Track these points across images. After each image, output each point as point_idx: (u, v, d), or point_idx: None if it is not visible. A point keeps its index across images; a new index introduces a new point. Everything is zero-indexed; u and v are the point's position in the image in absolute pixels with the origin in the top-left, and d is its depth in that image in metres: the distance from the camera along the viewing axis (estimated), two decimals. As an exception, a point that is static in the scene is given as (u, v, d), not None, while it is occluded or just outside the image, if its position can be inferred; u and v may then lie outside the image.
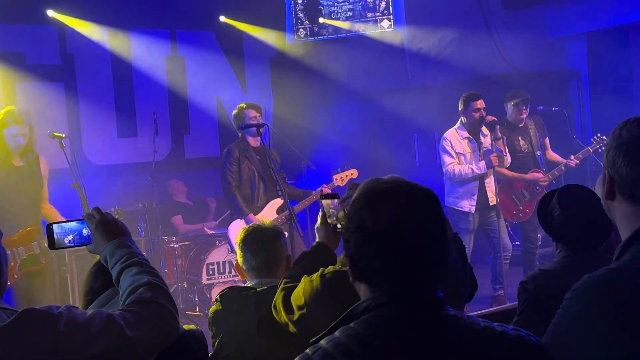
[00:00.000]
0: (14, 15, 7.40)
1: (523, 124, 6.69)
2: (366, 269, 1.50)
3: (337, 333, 1.49)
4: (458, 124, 6.48)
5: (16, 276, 5.15)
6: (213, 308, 2.90)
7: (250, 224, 3.14)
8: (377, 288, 1.50)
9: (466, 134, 6.40)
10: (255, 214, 5.96)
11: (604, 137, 6.56)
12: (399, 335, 1.46)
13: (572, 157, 6.67)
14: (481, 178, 6.33)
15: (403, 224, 1.46)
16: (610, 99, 8.39)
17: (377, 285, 1.50)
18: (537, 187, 6.55)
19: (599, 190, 1.71)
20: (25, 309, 1.74)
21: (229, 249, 6.74)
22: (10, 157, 5.24)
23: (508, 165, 6.47)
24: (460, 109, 6.44)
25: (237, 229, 5.82)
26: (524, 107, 6.60)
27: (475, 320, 1.52)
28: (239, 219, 6.01)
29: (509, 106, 6.66)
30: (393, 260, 1.47)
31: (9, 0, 7.30)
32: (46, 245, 5.11)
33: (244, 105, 6.23)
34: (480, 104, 6.31)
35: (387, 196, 1.51)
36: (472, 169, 6.28)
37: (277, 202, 6.06)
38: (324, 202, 2.64)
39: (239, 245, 2.99)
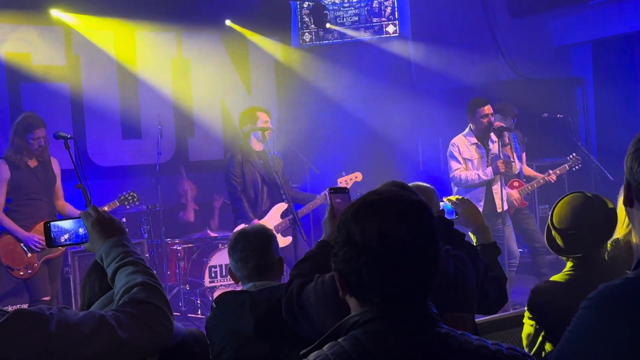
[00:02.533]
0: (19, 15, 7.42)
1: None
2: (355, 284, 1.46)
3: (324, 349, 1.44)
4: (467, 130, 6.47)
5: (36, 265, 5.61)
6: (210, 315, 2.88)
7: (238, 229, 3.07)
8: (367, 303, 1.46)
9: (474, 140, 6.39)
10: (259, 219, 5.94)
11: (579, 157, 6.90)
12: (387, 353, 1.41)
13: (550, 172, 6.75)
14: (488, 184, 6.30)
15: (392, 238, 1.41)
16: (615, 106, 8.39)
17: (366, 300, 1.46)
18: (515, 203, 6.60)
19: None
20: (16, 310, 1.73)
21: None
22: (28, 158, 5.64)
23: (517, 171, 6.49)
24: (468, 115, 6.43)
25: (242, 234, 5.80)
26: (512, 122, 6.73)
27: (468, 338, 1.47)
28: (243, 224, 5.97)
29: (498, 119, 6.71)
30: (382, 276, 1.42)
31: (15, 1, 7.33)
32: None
33: (257, 108, 6.18)
34: (487, 109, 6.31)
35: (375, 209, 1.46)
36: (478, 174, 6.26)
37: (282, 206, 6.04)
38: (333, 196, 2.55)
39: (229, 252, 2.94)
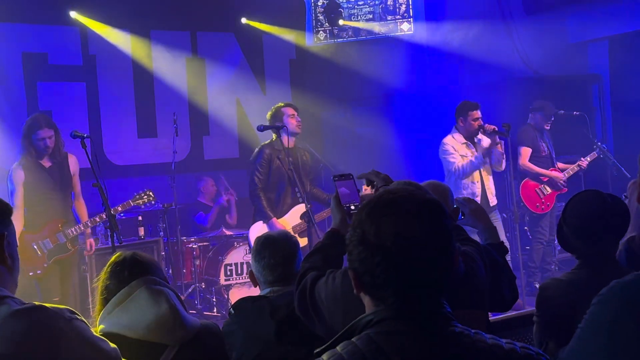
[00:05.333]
0: (37, 15, 7.49)
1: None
2: (370, 283, 1.46)
3: (338, 348, 1.44)
4: (454, 130, 6.61)
5: (46, 265, 5.63)
6: (227, 321, 2.88)
7: (264, 234, 3.08)
8: (381, 302, 1.46)
9: (463, 140, 6.56)
10: (278, 217, 5.92)
11: (604, 146, 7.33)
12: (400, 352, 1.40)
13: (582, 158, 7.19)
14: (482, 180, 6.47)
15: (406, 237, 1.41)
16: (631, 103, 8.31)
17: (381, 299, 1.46)
18: (560, 184, 7.09)
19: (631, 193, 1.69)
20: (38, 305, 1.77)
21: (247, 250, 6.74)
22: (40, 159, 5.68)
23: (503, 169, 6.69)
24: (458, 117, 6.56)
25: (258, 232, 5.74)
26: (552, 119, 7.17)
27: (482, 337, 1.46)
28: (260, 222, 5.94)
29: (538, 116, 7.15)
30: (397, 275, 1.42)
31: (32, 1, 7.38)
32: (73, 234, 5.63)
33: (282, 104, 6.12)
34: (478, 113, 6.47)
35: (390, 208, 1.45)
36: (470, 160, 6.42)
37: (302, 207, 5.93)
38: (338, 183, 2.54)
39: (254, 256, 2.94)
